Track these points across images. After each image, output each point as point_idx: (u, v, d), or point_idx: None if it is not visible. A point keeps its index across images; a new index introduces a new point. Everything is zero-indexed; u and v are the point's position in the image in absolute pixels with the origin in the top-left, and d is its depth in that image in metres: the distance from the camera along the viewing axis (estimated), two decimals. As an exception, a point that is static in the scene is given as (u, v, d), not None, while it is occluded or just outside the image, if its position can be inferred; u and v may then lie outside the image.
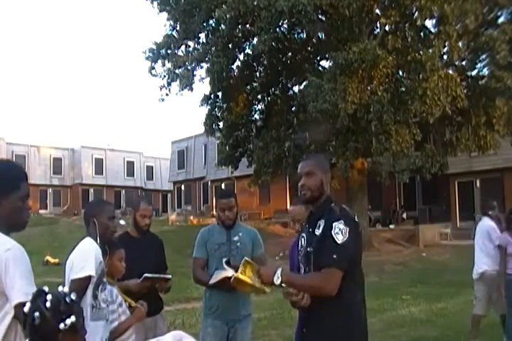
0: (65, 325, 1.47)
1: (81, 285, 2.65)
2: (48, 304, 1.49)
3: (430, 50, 15.03)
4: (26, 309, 1.52)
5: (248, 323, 3.83)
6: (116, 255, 3.20)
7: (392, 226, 21.95)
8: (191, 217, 29.12)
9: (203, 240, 3.79)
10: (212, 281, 3.53)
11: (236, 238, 3.74)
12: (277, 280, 2.41)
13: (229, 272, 3.46)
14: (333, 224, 2.37)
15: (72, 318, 1.49)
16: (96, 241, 2.85)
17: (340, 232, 2.34)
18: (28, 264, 1.92)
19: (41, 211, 36.75)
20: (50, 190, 40.40)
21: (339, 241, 2.33)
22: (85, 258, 2.72)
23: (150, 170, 45.60)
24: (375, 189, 21.32)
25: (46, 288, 1.57)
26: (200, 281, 3.76)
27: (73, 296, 1.55)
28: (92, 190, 40.63)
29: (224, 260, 3.54)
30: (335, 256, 2.32)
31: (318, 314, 2.49)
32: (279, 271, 2.43)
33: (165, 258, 4.08)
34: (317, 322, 2.49)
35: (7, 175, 2.00)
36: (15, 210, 1.97)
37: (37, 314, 1.49)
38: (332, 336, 2.45)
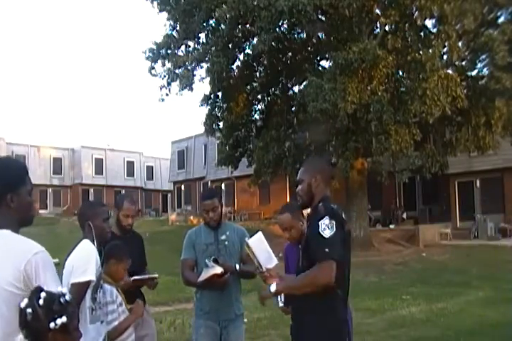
0: (56, 324, 1.46)
1: (81, 289, 2.64)
2: (41, 301, 1.48)
3: (430, 50, 15.04)
4: (22, 304, 1.51)
5: (241, 322, 3.82)
6: (124, 263, 3.24)
7: (392, 226, 21.93)
8: (191, 217, 29.08)
9: (191, 241, 3.75)
10: (201, 279, 3.52)
11: (223, 237, 3.71)
12: (272, 289, 2.59)
13: (217, 269, 3.47)
14: (319, 222, 2.43)
15: (64, 319, 1.47)
16: (93, 243, 2.84)
17: (326, 227, 2.41)
18: (54, 267, 1.89)
19: (41, 211, 36.66)
20: (50, 190, 40.38)
21: (327, 236, 2.40)
22: (85, 262, 2.70)
23: (150, 170, 45.59)
24: (375, 189, 21.30)
25: (45, 286, 1.56)
26: (190, 282, 3.73)
27: (68, 297, 1.53)
28: (92, 190, 40.63)
29: (211, 258, 3.54)
30: (327, 250, 2.38)
31: (305, 316, 2.55)
32: (273, 285, 2.60)
33: (145, 254, 4.12)
34: (305, 325, 2.52)
35: (13, 170, 1.98)
36: (25, 205, 1.96)
37: (29, 310, 1.48)
38: (321, 338, 2.49)
